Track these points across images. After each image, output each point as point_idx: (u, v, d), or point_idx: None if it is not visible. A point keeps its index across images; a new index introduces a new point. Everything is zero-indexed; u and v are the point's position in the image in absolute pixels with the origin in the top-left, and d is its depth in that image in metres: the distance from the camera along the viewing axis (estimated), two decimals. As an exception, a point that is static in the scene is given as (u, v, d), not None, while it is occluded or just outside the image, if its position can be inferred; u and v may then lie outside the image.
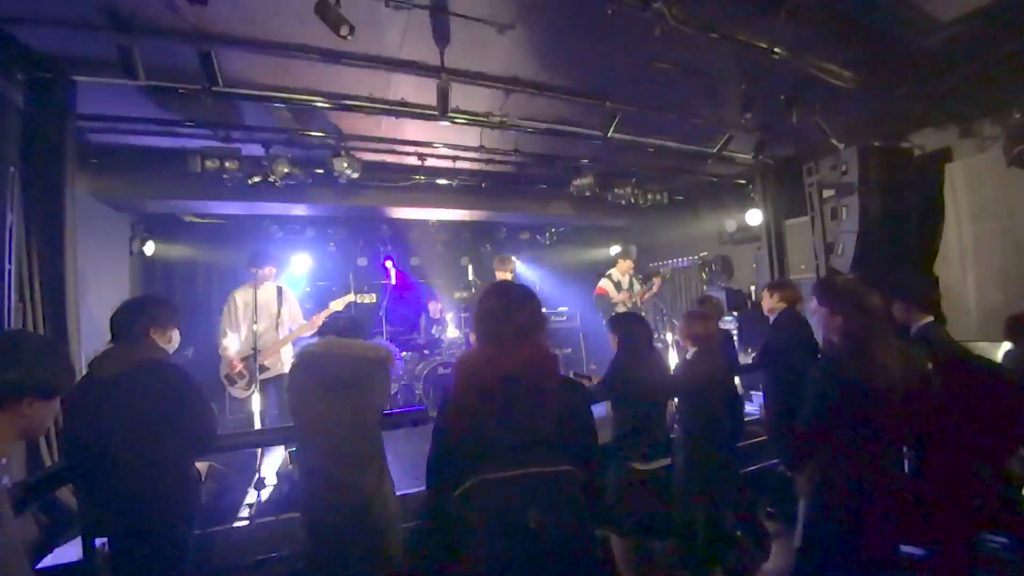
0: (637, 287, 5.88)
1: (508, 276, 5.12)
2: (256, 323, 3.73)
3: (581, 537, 1.37)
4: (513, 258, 5.43)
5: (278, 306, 4.09)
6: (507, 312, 1.45)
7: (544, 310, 1.76)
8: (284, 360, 4.07)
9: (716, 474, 2.87)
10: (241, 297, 4.06)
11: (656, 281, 5.90)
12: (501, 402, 1.36)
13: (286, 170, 4.39)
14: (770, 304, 3.43)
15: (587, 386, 2.82)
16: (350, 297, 4.49)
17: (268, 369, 3.89)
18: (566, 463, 1.37)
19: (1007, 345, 3.00)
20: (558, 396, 1.43)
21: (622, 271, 5.94)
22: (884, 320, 1.83)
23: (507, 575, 1.29)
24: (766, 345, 3.38)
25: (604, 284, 5.92)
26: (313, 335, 3.77)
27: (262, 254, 4.01)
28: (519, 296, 1.50)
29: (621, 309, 5.48)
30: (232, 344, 3.97)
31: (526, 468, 1.33)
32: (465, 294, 7.16)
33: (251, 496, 3.22)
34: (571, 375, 4.85)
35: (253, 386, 3.94)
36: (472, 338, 1.60)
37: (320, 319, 4.13)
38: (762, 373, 3.52)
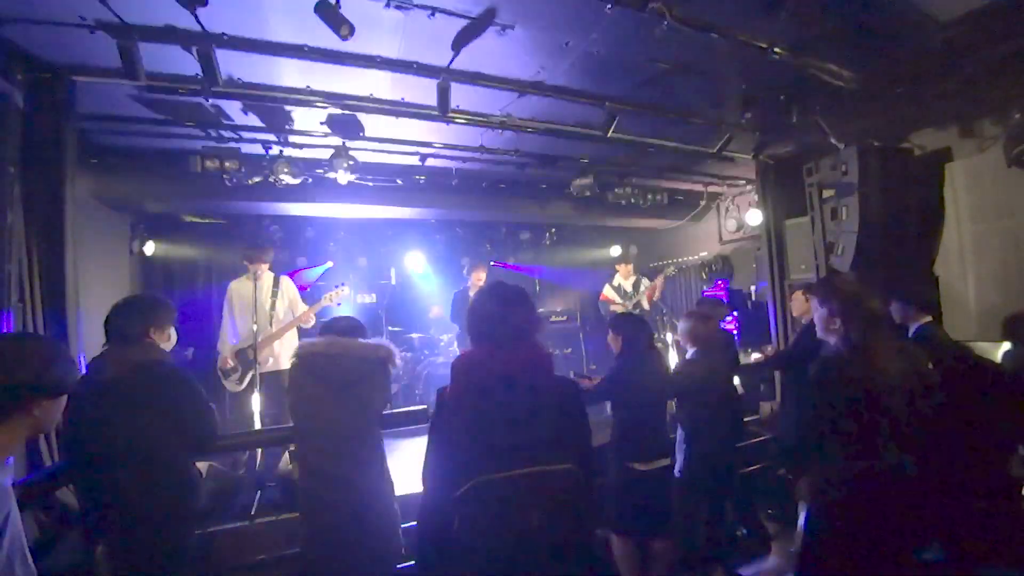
0: (644, 286, 5.87)
1: (481, 282, 5.30)
2: (255, 317, 3.74)
3: (582, 536, 1.38)
4: (483, 263, 5.65)
5: (272, 299, 4.07)
6: (503, 314, 1.46)
7: (540, 311, 1.77)
8: (278, 354, 4.05)
9: (716, 474, 2.87)
10: (236, 289, 4.07)
11: (659, 279, 5.91)
12: (499, 402, 1.37)
13: (286, 170, 4.39)
14: (804, 308, 3.34)
15: (588, 387, 2.82)
16: (345, 291, 4.47)
17: (260, 364, 3.85)
18: (566, 461, 1.38)
19: (1007, 345, 3.00)
20: (554, 395, 1.44)
21: (624, 275, 5.97)
22: (883, 323, 1.84)
23: (509, 575, 1.29)
24: (804, 349, 3.17)
25: (607, 292, 5.97)
26: (312, 334, 3.78)
27: (254, 248, 4.05)
28: (514, 298, 1.51)
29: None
30: (225, 338, 3.99)
31: (527, 468, 1.33)
32: (465, 294, 7.17)
33: (251, 496, 3.22)
34: (571, 375, 4.86)
35: (245, 381, 3.94)
36: (466, 339, 1.62)
37: (310, 313, 4.13)
38: (792, 376, 3.38)
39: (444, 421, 1.44)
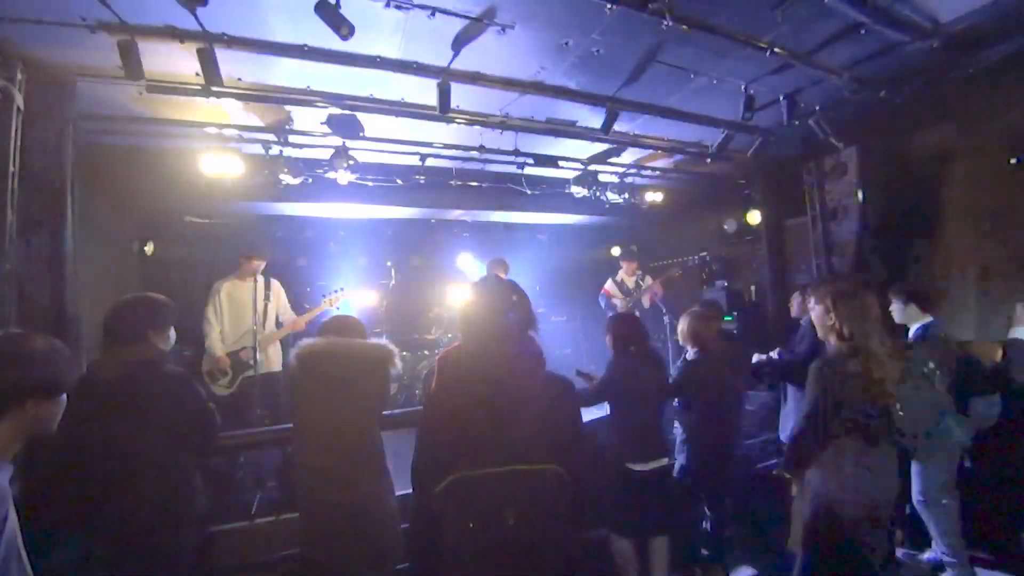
0: (647, 285, 5.88)
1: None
2: (254, 320, 3.72)
3: (558, 536, 1.35)
4: (506, 260, 5.53)
5: (264, 301, 4.03)
6: (493, 311, 1.44)
7: (540, 310, 1.74)
8: (270, 357, 4.03)
9: (716, 474, 2.87)
10: (226, 289, 4.02)
11: (659, 281, 5.91)
12: (482, 400, 1.35)
13: (286, 170, 4.39)
14: (803, 308, 3.32)
15: (587, 387, 2.82)
16: (344, 296, 4.48)
17: (251, 367, 3.80)
18: (549, 461, 1.35)
19: (1015, 332, 2.93)
20: (542, 394, 1.41)
21: (628, 272, 6.00)
22: (878, 319, 1.84)
23: (484, 572, 1.28)
24: (805, 350, 3.11)
25: (609, 286, 6.00)
26: (313, 334, 3.77)
27: (250, 245, 4.03)
28: (505, 295, 1.49)
29: (622, 308, 5.53)
30: (216, 339, 3.92)
31: (506, 466, 1.31)
32: (464, 294, 7.15)
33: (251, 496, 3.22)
34: (575, 373, 4.86)
35: (235, 384, 3.90)
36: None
37: (306, 319, 4.13)
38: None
39: (428, 418, 1.44)
